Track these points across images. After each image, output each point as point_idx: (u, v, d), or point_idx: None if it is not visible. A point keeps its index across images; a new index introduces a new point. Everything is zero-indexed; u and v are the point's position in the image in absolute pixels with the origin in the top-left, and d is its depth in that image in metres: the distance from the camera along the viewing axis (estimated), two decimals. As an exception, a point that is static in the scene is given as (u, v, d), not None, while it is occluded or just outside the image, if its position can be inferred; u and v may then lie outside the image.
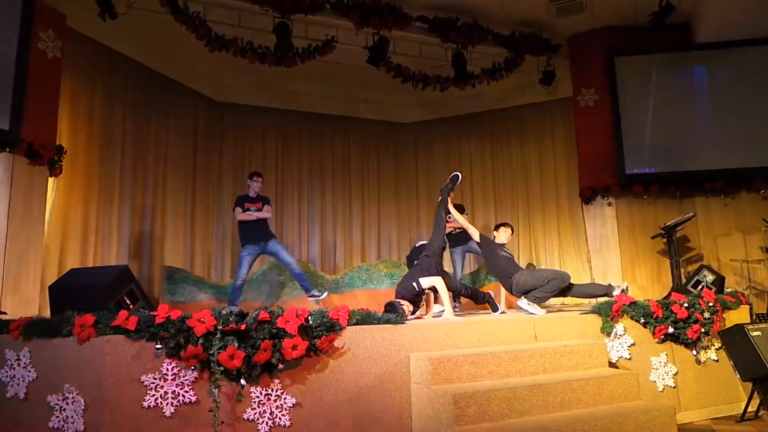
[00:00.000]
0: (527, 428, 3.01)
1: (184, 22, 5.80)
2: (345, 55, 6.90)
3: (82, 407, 2.87)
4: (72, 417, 2.89)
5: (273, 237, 6.04)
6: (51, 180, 5.44)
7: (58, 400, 2.94)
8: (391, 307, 4.02)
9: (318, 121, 8.83)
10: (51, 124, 5.40)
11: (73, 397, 2.90)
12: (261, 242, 5.91)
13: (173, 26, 5.91)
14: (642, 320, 4.18)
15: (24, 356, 3.13)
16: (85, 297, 3.37)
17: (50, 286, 3.85)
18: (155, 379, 2.91)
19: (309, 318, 3.21)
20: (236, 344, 2.99)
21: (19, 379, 3.12)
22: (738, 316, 4.67)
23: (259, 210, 5.99)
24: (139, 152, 6.86)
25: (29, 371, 3.10)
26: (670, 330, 4.19)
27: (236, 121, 8.28)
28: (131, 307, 3.66)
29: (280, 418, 3.07)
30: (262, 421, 3.04)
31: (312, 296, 6.00)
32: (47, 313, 4.22)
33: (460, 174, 5.26)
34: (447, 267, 6.44)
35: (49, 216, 5.48)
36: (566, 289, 4.80)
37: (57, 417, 2.92)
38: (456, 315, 4.46)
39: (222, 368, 2.94)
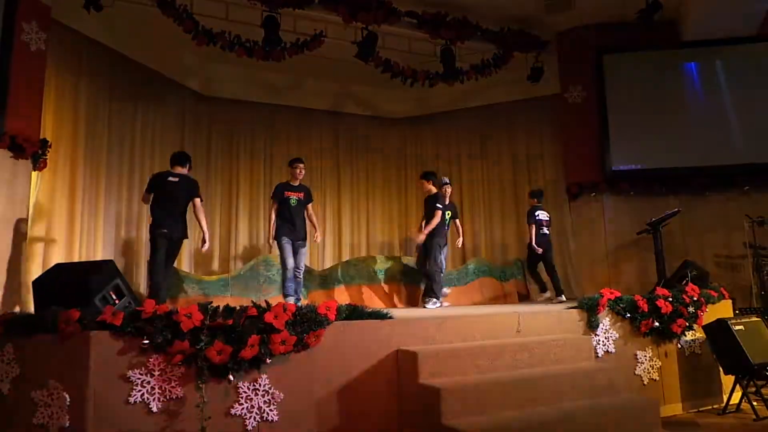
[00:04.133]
0: (514, 422, 3.03)
1: (170, 15, 5.74)
2: (334, 50, 6.87)
3: (67, 403, 2.85)
4: (57, 413, 2.86)
5: (304, 240, 5.80)
6: (35, 174, 5.36)
7: (43, 396, 2.90)
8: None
9: (307, 116, 8.79)
10: (35, 117, 5.32)
11: (57, 393, 2.87)
12: (294, 239, 5.68)
13: (160, 19, 5.84)
14: (627, 315, 4.23)
15: (7, 352, 3.09)
16: (70, 292, 3.33)
17: (34, 282, 3.79)
18: (141, 374, 2.89)
19: (297, 313, 3.21)
20: (224, 339, 2.98)
21: (2, 375, 3.08)
22: (721, 310, 4.74)
23: (300, 200, 5.76)
24: (124, 146, 6.79)
25: (13, 367, 3.06)
26: (655, 324, 4.24)
27: (224, 116, 8.21)
28: (117, 302, 3.62)
29: (268, 413, 3.07)
30: (250, 417, 3.04)
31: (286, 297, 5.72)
32: (31, 309, 4.17)
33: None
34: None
35: (33, 210, 5.41)
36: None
37: (41, 413, 2.89)
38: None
39: (209, 363, 2.93)
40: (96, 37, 6.35)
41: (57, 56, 5.80)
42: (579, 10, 6.93)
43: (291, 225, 5.69)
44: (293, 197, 5.75)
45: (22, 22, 5.22)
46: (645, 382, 4.16)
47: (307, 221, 5.98)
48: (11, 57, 5.06)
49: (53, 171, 5.65)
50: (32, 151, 5.19)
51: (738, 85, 6.89)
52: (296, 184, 5.86)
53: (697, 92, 7.00)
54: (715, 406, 4.32)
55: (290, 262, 5.59)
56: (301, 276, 5.84)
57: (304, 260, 5.86)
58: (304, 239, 5.83)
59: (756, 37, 6.85)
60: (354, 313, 3.46)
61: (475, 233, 8.67)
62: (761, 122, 6.77)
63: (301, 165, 5.90)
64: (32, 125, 5.26)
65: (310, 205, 5.99)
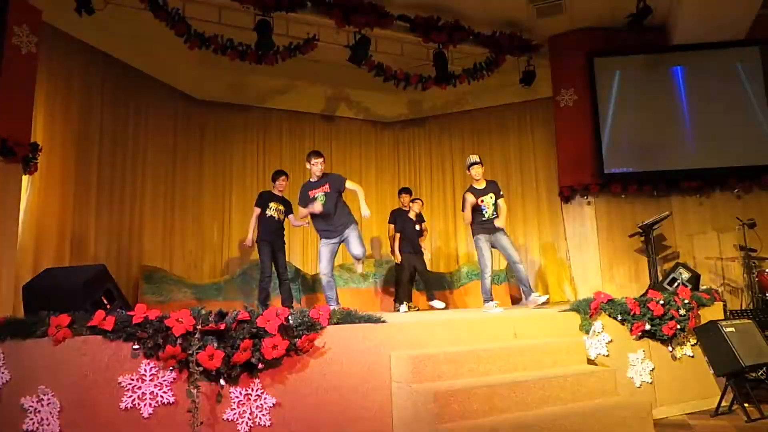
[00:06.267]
0: (507, 425, 3.03)
1: (163, 19, 5.73)
2: (326, 54, 6.89)
3: (58, 409, 2.82)
4: (47, 419, 2.83)
5: (354, 222, 5.13)
6: (25, 178, 5.33)
7: (33, 401, 2.88)
8: None
9: (299, 120, 8.79)
10: (26, 120, 5.29)
11: (48, 399, 2.85)
12: (335, 236, 5.08)
13: (152, 22, 5.83)
14: (619, 317, 4.24)
15: (-3, 357, 3.06)
16: (61, 297, 3.30)
17: (24, 286, 3.76)
18: (133, 379, 2.87)
19: (289, 317, 3.20)
20: (215, 344, 2.96)
21: (-9, 381, 3.05)
22: (712, 312, 4.76)
23: (328, 193, 5.13)
24: (116, 150, 6.75)
25: (2, 373, 3.02)
26: (647, 327, 4.26)
27: (216, 120, 8.19)
28: (108, 307, 3.60)
29: (260, 418, 3.06)
30: (242, 422, 3.02)
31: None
32: (21, 314, 4.13)
33: None
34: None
35: (24, 215, 5.36)
36: None
37: (31, 419, 2.86)
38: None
39: (201, 368, 2.91)
40: (87, 41, 6.32)
41: (48, 59, 5.77)
42: (570, 15, 6.97)
43: (326, 222, 5.12)
44: (319, 193, 5.19)
45: (12, 25, 5.19)
46: (637, 385, 4.18)
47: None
48: (2, 60, 5.03)
49: (44, 175, 5.61)
50: (23, 155, 5.16)
51: (726, 89, 6.94)
52: (316, 180, 5.30)
53: (688, 95, 7.06)
54: (707, 408, 4.34)
55: (326, 267, 5.03)
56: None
57: (360, 245, 5.08)
58: (347, 227, 5.13)
59: (745, 41, 6.92)
60: (347, 317, 3.46)
61: (467, 236, 8.67)
62: (750, 125, 6.83)
63: (317, 160, 5.28)
64: (23, 129, 5.23)
65: (347, 183, 5.31)
